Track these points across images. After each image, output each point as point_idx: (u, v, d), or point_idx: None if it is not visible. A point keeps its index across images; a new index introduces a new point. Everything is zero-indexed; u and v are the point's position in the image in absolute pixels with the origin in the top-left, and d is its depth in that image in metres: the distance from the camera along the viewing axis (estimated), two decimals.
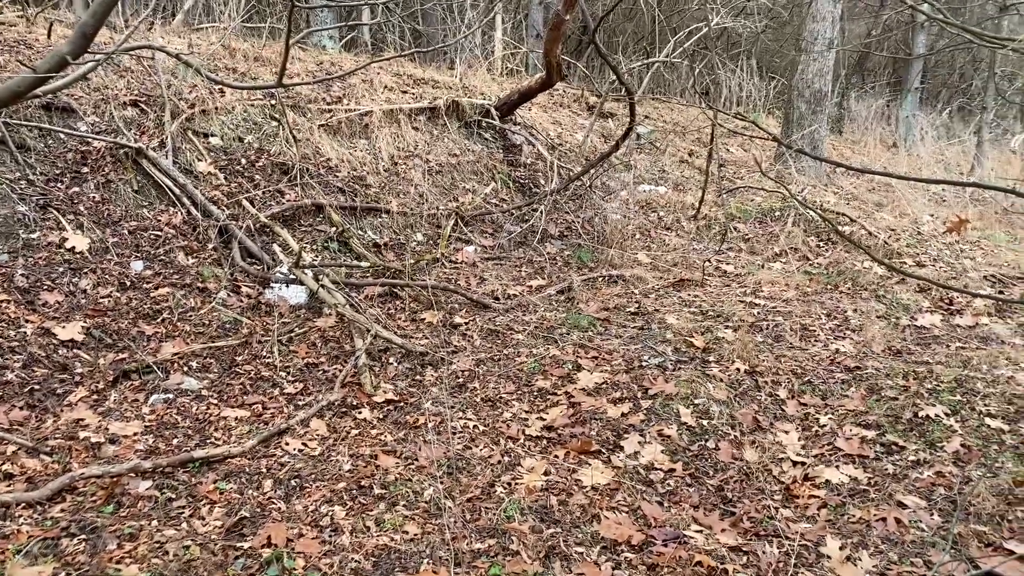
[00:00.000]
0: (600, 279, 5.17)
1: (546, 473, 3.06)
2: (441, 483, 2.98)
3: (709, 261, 5.61)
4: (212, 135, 5.28)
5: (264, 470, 3.03)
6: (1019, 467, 3.04)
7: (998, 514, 2.77)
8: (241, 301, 4.32)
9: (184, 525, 2.68)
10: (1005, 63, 13.35)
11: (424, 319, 4.44)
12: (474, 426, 3.38)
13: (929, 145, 11.98)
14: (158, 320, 3.97)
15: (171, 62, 5.30)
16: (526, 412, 3.53)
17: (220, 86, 5.29)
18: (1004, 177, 8.36)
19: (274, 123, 5.54)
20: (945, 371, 3.78)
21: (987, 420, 3.33)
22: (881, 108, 13.08)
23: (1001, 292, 4.90)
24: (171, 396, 3.50)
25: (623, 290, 5.00)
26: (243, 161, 5.22)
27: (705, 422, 3.42)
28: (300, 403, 3.56)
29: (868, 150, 11.10)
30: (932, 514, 2.82)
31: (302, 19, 8.60)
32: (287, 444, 3.19)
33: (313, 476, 3.01)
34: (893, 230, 6.02)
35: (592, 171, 6.15)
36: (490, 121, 6.56)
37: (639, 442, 3.28)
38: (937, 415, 3.38)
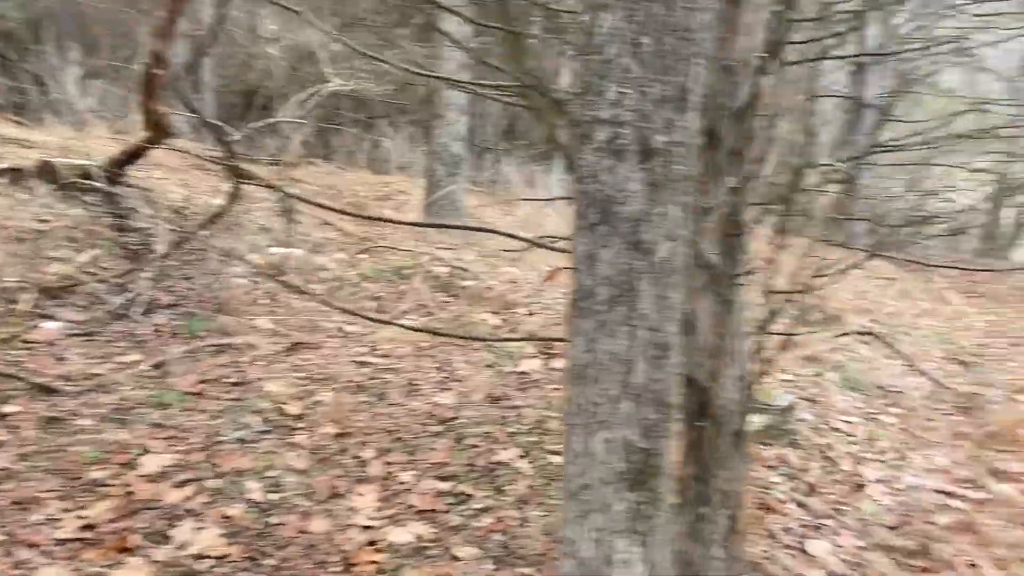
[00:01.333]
0: (206, 349, 4.75)
1: None
2: None
3: (334, 322, 5.43)
4: None
5: None
6: None
7: (543, 553, 2.79)
8: None
9: None
10: None
11: None
12: None
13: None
14: None
15: None
16: (65, 511, 3.01)
17: None
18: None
19: None
20: (531, 413, 3.88)
21: (552, 458, 3.43)
22: (534, 172, 14.10)
23: None
24: None
25: (230, 359, 4.62)
26: None
27: (276, 496, 3.15)
28: None
29: (518, 209, 11.81)
30: (486, 563, 2.78)
31: None
32: None
33: None
34: (515, 282, 6.30)
35: (204, 234, 5.73)
36: (94, 183, 5.90)
37: (193, 529, 2.92)
38: (510, 458, 3.42)
